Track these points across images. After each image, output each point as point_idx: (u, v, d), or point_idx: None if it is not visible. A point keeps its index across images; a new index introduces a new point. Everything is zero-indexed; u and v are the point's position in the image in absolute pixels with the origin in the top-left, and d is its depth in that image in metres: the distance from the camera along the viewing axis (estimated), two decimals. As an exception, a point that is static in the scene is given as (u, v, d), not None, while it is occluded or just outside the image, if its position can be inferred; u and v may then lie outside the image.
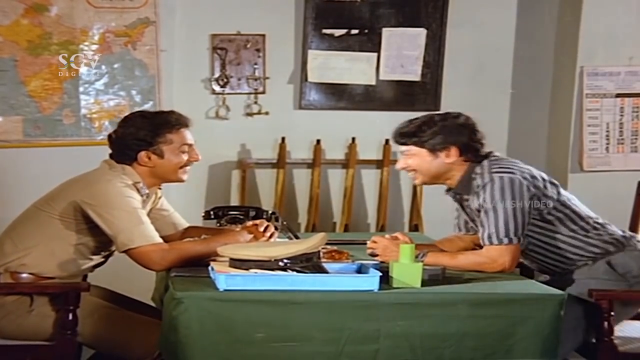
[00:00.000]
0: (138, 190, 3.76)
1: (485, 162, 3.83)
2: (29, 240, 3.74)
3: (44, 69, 5.54)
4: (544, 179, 3.83)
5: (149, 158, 3.78)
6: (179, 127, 3.82)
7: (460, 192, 3.91)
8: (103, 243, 3.73)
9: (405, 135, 3.89)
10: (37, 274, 3.72)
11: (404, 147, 3.92)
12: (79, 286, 3.61)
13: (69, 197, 3.72)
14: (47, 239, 3.73)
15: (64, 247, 3.74)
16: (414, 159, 3.87)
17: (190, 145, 3.84)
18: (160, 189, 3.98)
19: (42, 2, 5.50)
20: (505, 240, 3.68)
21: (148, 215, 3.85)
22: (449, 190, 3.99)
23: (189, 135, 3.85)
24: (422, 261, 3.65)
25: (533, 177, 3.79)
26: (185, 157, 3.81)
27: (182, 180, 3.87)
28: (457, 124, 3.88)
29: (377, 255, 3.73)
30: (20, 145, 5.56)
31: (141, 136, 3.77)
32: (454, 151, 3.82)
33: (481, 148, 3.88)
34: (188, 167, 3.87)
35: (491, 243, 3.69)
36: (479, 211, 3.77)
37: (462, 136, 3.85)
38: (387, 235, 3.87)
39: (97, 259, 3.84)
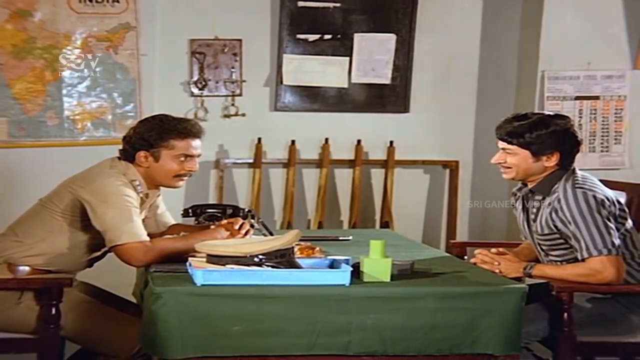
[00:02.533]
0: (135, 189, 3.77)
1: (570, 174, 3.78)
2: (32, 235, 3.78)
3: (28, 72, 5.56)
4: (620, 203, 3.80)
5: (146, 158, 3.79)
6: (185, 136, 3.79)
7: (535, 191, 3.83)
8: (102, 239, 3.70)
9: (512, 135, 3.78)
10: (39, 267, 3.76)
11: (505, 144, 3.81)
12: (62, 281, 3.61)
13: (69, 194, 3.75)
14: (49, 234, 3.77)
15: (65, 242, 3.78)
16: (515, 158, 3.79)
17: (190, 156, 3.81)
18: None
19: (26, 7, 5.52)
20: (605, 251, 3.63)
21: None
22: (519, 189, 3.95)
23: (194, 145, 3.82)
24: (530, 273, 3.71)
25: (610, 199, 3.73)
26: (179, 166, 3.80)
27: (175, 187, 3.87)
28: (564, 129, 3.76)
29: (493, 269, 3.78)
30: (5, 146, 5.58)
31: (146, 136, 3.78)
32: (555, 157, 3.76)
33: (575, 156, 3.82)
34: (185, 177, 3.86)
35: (590, 255, 3.64)
36: (564, 224, 3.70)
37: (567, 143, 3.77)
38: (493, 250, 3.90)
39: (97, 253, 3.87)
